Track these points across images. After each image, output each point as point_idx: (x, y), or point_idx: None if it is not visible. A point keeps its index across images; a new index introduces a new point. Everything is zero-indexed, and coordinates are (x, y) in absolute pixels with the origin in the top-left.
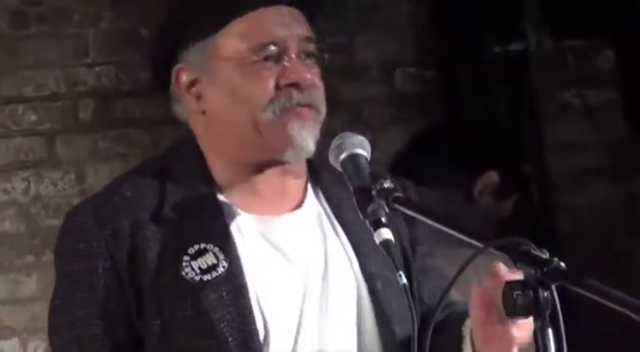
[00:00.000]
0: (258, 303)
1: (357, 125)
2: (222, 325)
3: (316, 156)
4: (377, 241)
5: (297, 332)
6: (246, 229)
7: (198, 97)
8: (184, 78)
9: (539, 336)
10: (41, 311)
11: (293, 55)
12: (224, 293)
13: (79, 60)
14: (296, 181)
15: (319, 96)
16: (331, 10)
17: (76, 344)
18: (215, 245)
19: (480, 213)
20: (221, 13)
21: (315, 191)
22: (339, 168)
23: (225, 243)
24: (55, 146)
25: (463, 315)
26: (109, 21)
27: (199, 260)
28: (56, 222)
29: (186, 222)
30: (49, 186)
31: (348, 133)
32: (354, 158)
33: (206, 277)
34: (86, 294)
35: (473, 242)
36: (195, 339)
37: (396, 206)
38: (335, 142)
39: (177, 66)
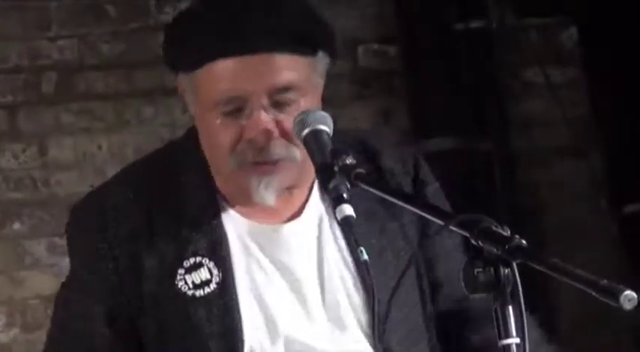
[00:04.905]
0: (250, 319)
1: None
2: (210, 342)
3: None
4: (338, 217)
5: (291, 345)
6: (245, 239)
7: (195, 115)
8: (185, 97)
9: (499, 313)
10: (2, 284)
11: (253, 112)
12: (214, 310)
13: (41, 33)
14: (296, 190)
15: (284, 147)
16: None
17: (80, 339)
18: (210, 259)
19: None
20: (189, 60)
21: (321, 192)
22: (301, 144)
23: (221, 257)
24: (17, 119)
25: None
26: None
27: (193, 274)
28: (17, 195)
29: (185, 232)
30: (10, 159)
31: (310, 109)
32: (316, 134)
33: (199, 292)
34: (92, 292)
35: (434, 219)
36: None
37: (358, 182)
38: (297, 118)
39: (179, 83)
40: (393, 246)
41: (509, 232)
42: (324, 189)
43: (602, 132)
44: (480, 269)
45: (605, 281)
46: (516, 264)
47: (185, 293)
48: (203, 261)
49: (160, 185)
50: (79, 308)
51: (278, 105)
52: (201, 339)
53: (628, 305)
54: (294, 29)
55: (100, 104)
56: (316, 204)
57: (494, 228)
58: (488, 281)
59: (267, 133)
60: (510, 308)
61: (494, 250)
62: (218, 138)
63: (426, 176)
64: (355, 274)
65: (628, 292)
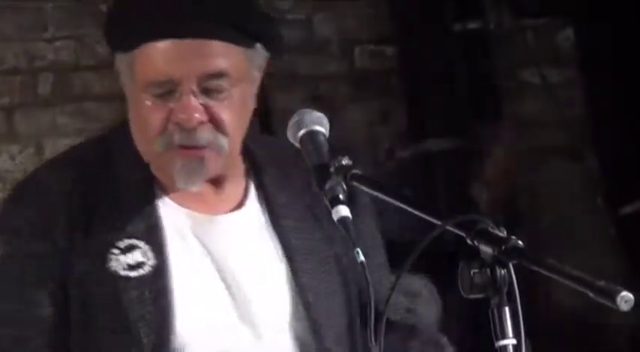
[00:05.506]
0: (182, 306)
1: (315, 102)
2: (140, 324)
3: (263, 151)
4: (334, 218)
5: (219, 337)
6: (181, 227)
7: (129, 96)
8: (120, 79)
9: (495, 314)
10: None
11: (183, 95)
12: (146, 292)
13: (38, 34)
14: (229, 183)
15: (212, 134)
16: None
17: (17, 325)
18: (146, 242)
19: None
20: (125, 39)
21: (257, 192)
22: (297, 145)
23: (156, 242)
24: (13, 120)
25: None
26: None
27: (128, 255)
28: None
29: (121, 215)
30: (7, 160)
31: (306, 110)
32: (312, 135)
33: (132, 274)
34: (31, 278)
35: (431, 220)
36: (113, 334)
37: (354, 183)
38: (293, 119)
39: (116, 64)
40: (319, 252)
41: (505, 233)
42: (320, 189)
43: (598, 133)
44: (477, 270)
45: (602, 282)
46: (513, 265)
47: (118, 273)
48: (138, 243)
49: (100, 169)
50: (21, 295)
51: (208, 91)
52: (131, 321)
53: (625, 307)
54: (232, 17)
55: (96, 105)
56: (253, 203)
57: (490, 228)
58: (484, 282)
59: (195, 118)
60: (507, 309)
61: (491, 251)
62: (147, 120)
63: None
64: (288, 274)
65: (624, 293)
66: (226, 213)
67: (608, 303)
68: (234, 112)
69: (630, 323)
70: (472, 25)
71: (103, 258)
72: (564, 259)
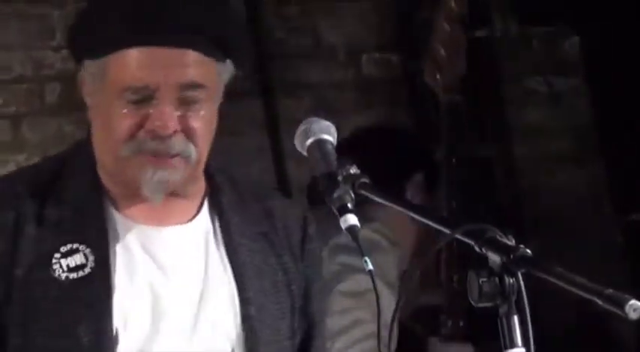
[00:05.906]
0: (121, 308)
1: (321, 109)
2: (78, 324)
3: (224, 176)
4: (343, 226)
5: (152, 343)
6: (126, 236)
7: (90, 108)
8: (84, 88)
9: (504, 323)
10: None
11: (160, 103)
12: (85, 293)
13: (45, 43)
14: (185, 200)
15: (183, 142)
16: None
17: None
18: (88, 246)
19: None
20: (103, 44)
21: (211, 210)
22: (305, 154)
23: (98, 246)
24: (20, 129)
25: None
26: (75, 2)
27: (69, 258)
28: None
29: (66, 224)
30: (14, 169)
31: (314, 118)
32: (320, 143)
33: (72, 275)
34: None
35: (440, 228)
36: (52, 336)
37: (362, 191)
38: (301, 127)
39: (81, 73)
40: (270, 275)
41: (513, 241)
42: (327, 198)
43: (605, 140)
44: (485, 279)
45: (610, 290)
46: (521, 273)
47: (59, 275)
48: (80, 247)
49: (52, 183)
50: None
51: (185, 101)
52: (70, 322)
53: (633, 315)
54: (212, 31)
55: None
56: (203, 220)
57: (499, 237)
58: (492, 291)
59: (171, 126)
60: (515, 317)
61: (499, 259)
62: (118, 125)
63: (314, 233)
64: (234, 288)
65: (633, 301)
66: (174, 225)
67: (617, 312)
68: (205, 124)
69: (637, 331)
70: (479, 34)
71: (46, 263)
72: (571, 266)
